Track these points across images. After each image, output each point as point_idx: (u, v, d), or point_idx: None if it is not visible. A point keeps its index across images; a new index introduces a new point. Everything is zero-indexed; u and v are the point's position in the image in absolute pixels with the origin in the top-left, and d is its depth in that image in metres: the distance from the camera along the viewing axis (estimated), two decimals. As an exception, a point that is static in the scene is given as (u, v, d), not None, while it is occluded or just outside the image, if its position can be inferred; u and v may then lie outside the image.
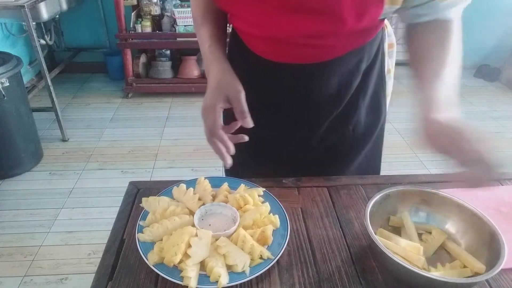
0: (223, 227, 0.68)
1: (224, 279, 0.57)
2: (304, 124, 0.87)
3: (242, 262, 0.60)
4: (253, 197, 0.71)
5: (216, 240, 0.63)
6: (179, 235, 0.62)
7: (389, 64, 0.91)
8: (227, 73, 0.72)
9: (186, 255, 0.60)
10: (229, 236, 0.65)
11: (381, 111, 0.91)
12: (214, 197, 0.74)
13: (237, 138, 0.73)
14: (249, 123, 0.69)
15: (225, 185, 0.76)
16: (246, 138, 0.73)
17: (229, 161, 0.70)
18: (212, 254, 0.61)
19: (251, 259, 0.61)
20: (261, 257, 0.62)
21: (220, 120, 0.70)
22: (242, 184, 0.76)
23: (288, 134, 0.89)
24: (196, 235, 0.62)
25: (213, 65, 0.74)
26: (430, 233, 0.68)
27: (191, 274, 0.57)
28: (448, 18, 0.68)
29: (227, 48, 0.90)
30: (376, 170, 0.99)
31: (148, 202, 0.71)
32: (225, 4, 0.74)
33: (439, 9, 0.66)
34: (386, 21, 0.84)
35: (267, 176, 0.84)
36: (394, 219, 0.70)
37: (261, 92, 0.84)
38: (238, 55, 0.85)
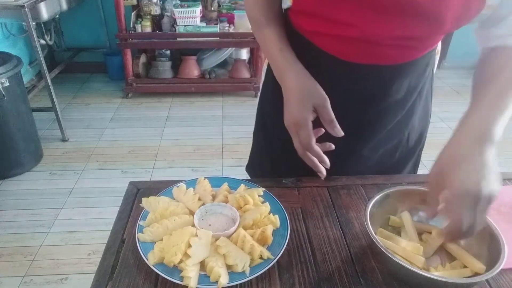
0: (223, 227, 0.68)
1: (224, 279, 0.57)
2: (363, 131, 0.82)
3: (242, 262, 0.60)
4: (253, 197, 0.71)
5: (216, 240, 0.63)
6: (179, 235, 0.62)
7: (434, 68, 0.88)
8: (308, 80, 0.69)
9: (186, 255, 0.60)
10: (229, 236, 0.65)
11: (429, 116, 0.90)
12: (214, 197, 0.74)
13: (325, 146, 0.71)
14: (340, 132, 0.67)
15: (225, 185, 0.76)
16: (333, 146, 0.71)
17: (324, 172, 0.69)
18: (212, 254, 0.61)
19: (251, 259, 0.61)
20: (261, 257, 0.62)
21: (312, 133, 0.67)
22: (242, 184, 0.76)
23: (340, 143, 0.79)
24: (196, 235, 0.62)
25: (290, 71, 0.70)
26: (430, 233, 0.68)
27: (191, 274, 0.57)
28: None
29: None
30: None
31: (148, 202, 0.71)
32: (316, 4, 0.68)
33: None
34: None
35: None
36: (394, 219, 0.70)
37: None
38: (303, 59, 0.75)
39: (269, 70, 0.86)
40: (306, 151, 0.68)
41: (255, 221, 0.68)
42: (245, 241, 0.62)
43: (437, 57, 0.89)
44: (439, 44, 0.87)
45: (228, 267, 0.60)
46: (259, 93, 0.95)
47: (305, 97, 0.67)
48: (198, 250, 0.60)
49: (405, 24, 0.64)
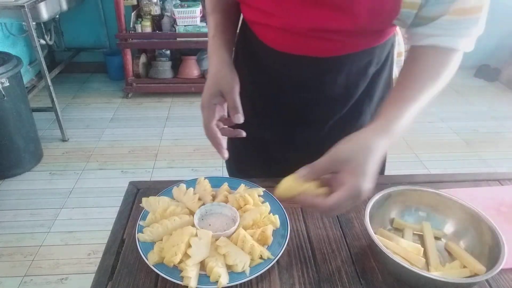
0: (223, 227, 0.68)
1: (224, 279, 0.57)
2: (307, 124, 0.86)
3: (242, 262, 0.60)
4: (253, 197, 0.71)
5: (216, 240, 0.63)
6: (179, 235, 0.62)
7: (396, 72, 0.88)
8: (224, 66, 0.72)
9: (186, 255, 0.60)
10: (229, 236, 0.65)
11: None
12: (214, 197, 0.74)
13: (235, 132, 0.74)
14: (239, 119, 0.69)
15: (225, 185, 0.76)
16: (243, 134, 0.74)
17: (225, 155, 0.71)
18: (212, 254, 0.61)
19: (251, 259, 0.61)
20: (261, 257, 0.62)
21: (216, 115, 0.70)
22: (242, 184, 0.76)
23: (289, 134, 0.88)
24: (196, 235, 0.62)
25: (213, 56, 0.74)
26: (440, 239, 0.68)
27: (191, 274, 0.57)
28: (450, 47, 0.63)
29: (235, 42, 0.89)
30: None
31: (148, 202, 0.71)
32: None
33: (445, 32, 0.62)
34: (398, 28, 0.82)
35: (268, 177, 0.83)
36: (398, 221, 0.70)
37: (266, 87, 0.84)
38: (247, 49, 0.84)
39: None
40: (207, 131, 0.71)
41: (255, 221, 0.68)
42: (245, 241, 0.62)
43: (401, 59, 0.88)
44: (401, 46, 0.88)
45: (228, 267, 0.60)
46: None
47: (214, 82, 0.70)
48: (198, 250, 0.60)
49: (319, 15, 0.66)
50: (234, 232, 0.65)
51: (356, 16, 0.64)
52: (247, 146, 0.96)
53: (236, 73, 0.71)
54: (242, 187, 0.75)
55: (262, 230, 0.64)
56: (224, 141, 0.71)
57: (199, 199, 0.72)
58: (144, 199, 0.72)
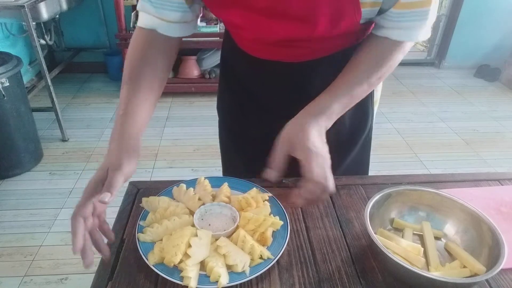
0: (223, 227, 0.68)
1: (224, 279, 0.57)
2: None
3: (242, 262, 0.60)
4: (257, 201, 0.71)
5: (216, 240, 0.63)
6: (179, 235, 0.62)
7: None
8: (123, 158, 0.63)
9: (186, 255, 0.60)
10: (229, 236, 0.65)
11: (368, 117, 0.91)
12: (214, 197, 0.74)
13: (101, 246, 0.60)
14: (104, 197, 0.56)
15: (225, 185, 0.75)
16: (106, 253, 0.60)
17: (87, 262, 0.56)
18: (212, 254, 0.61)
19: (251, 259, 0.61)
20: (261, 257, 0.62)
21: (94, 206, 0.59)
22: (254, 188, 0.75)
23: (273, 131, 0.89)
24: (196, 235, 0.62)
25: (115, 140, 0.64)
26: (440, 239, 0.68)
27: (191, 274, 0.57)
28: (400, 40, 0.68)
29: (221, 45, 0.96)
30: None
31: (148, 202, 0.71)
32: (214, 8, 0.73)
33: (396, 24, 0.66)
34: None
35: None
36: (398, 221, 0.70)
37: (249, 87, 0.88)
38: (232, 51, 0.89)
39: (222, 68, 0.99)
40: (72, 216, 0.58)
41: (255, 221, 0.67)
42: (245, 241, 0.62)
43: None
44: None
45: (228, 267, 0.60)
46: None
47: (106, 166, 0.61)
48: (198, 250, 0.60)
49: (285, 28, 0.68)
50: (234, 231, 0.65)
51: (318, 24, 0.65)
52: (235, 144, 1.01)
53: (134, 163, 0.65)
54: (255, 190, 0.74)
55: (261, 232, 0.64)
56: (78, 242, 0.55)
57: (199, 199, 0.72)
58: (144, 199, 0.72)
